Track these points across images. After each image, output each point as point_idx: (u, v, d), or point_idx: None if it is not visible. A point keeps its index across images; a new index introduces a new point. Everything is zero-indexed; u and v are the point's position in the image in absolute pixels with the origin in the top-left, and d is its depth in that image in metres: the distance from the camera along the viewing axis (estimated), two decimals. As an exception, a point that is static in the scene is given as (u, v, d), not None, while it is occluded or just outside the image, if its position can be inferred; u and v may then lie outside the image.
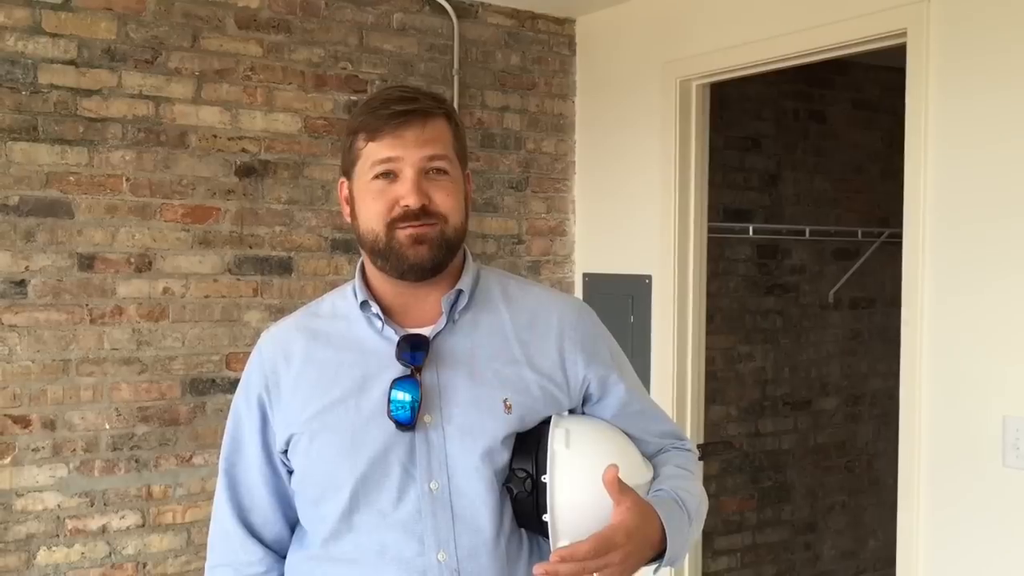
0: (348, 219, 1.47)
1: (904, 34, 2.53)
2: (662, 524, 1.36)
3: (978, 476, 2.38)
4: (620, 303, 3.45)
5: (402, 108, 1.38)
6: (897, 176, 2.59)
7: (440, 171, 1.40)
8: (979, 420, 2.37)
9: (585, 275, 3.68)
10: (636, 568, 1.35)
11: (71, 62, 2.78)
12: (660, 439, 1.56)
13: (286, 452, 1.46)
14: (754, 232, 3.96)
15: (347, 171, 1.45)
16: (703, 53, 3.14)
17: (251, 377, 1.49)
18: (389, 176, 1.38)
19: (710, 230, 3.36)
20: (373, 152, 1.39)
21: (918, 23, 2.49)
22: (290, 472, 1.47)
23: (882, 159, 4.35)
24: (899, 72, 2.58)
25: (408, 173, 1.37)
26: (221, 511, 1.51)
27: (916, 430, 2.51)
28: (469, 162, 1.52)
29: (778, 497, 4.27)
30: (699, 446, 3.29)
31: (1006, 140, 2.32)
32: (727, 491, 4.11)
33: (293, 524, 1.51)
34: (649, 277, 3.35)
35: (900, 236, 2.58)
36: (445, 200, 1.39)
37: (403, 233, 1.38)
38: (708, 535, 3.92)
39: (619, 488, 1.31)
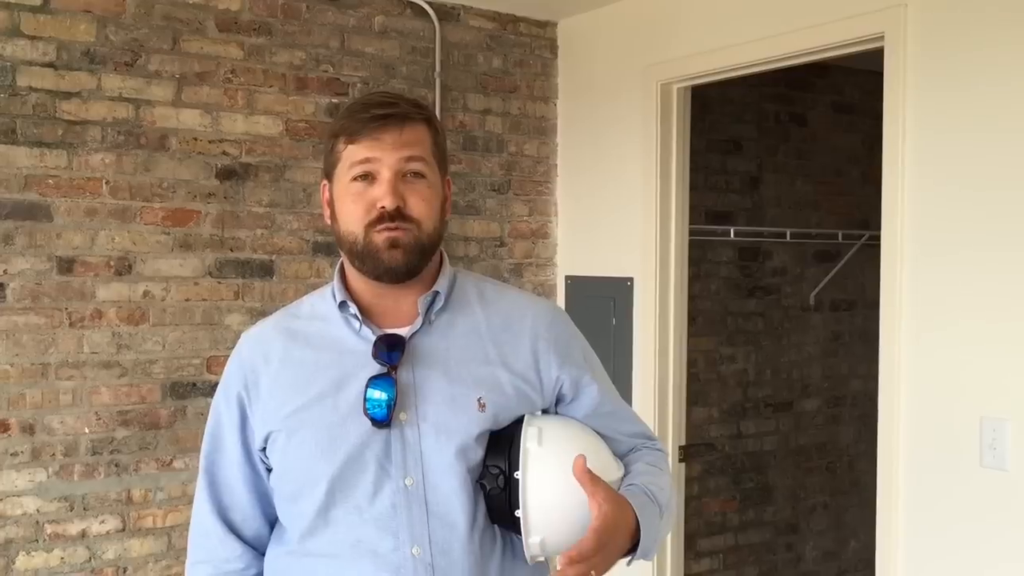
0: (328, 221, 1.50)
1: (882, 38, 2.55)
2: (635, 515, 1.38)
3: (956, 476, 2.39)
4: (602, 305, 3.45)
5: (381, 112, 1.41)
6: (877, 179, 2.61)
7: (417, 174, 1.42)
8: (957, 421, 2.39)
9: (567, 278, 3.68)
10: (616, 560, 1.37)
11: (50, 64, 2.77)
12: (631, 439, 1.59)
13: (264, 450, 1.48)
14: (736, 234, 3.97)
15: (328, 173, 1.48)
16: (684, 56, 3.16)
17: (231, 377, 1.52)
18: (367, 178, 1.41)
19: (692, 232, 3.37)
20: (352, 154, 1.42)
21: (895, 27, 2.51)
22: (269, 470, 1.49)
23: (862, 162, 4.38)
24: (879, 75, 2.59)
25: (385, 175, 1.40)
26: (201, 509, 1.53)
27: (895, 431, 2.53)
28: (451, 165, 1.54)
29: (760, 498, 4.28)
30: (681, 448, 3.30)
31: (983, 142, 2.34)
32: (709, 492, 4.12)
33: (272, 522, 1.53)
34: (631, 280, 3.36)
35: (880, 239, 2.59)
36: (419, 204, 1.42)
37: (379, 237, 1.40)
38: (691, 536, 3.93)
39: (591, 478, 1.33)
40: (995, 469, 2.31)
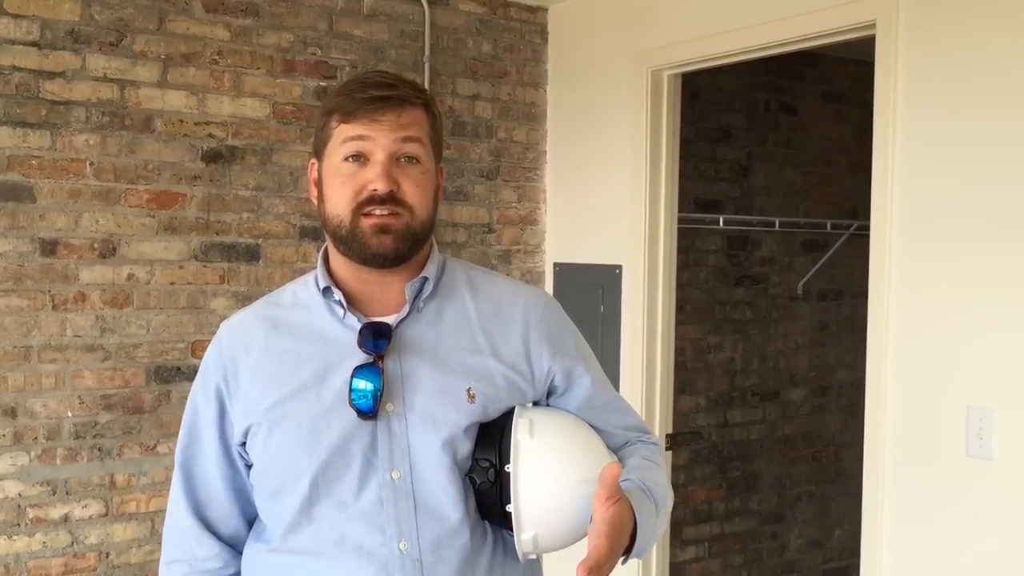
0: (315, 201, 1.45)
1: (873, 25, 2.54)
2: (634, 513, 1.34)
3: (942, 466, 2.40)
4: (590, 293, 3.44)
5: (380, 93, 1.36)
6: (866, 169, 2.60)
7: (411, 158, 1.37)
8: (943, 411, 2.39)
9: (556, 265, 3.67)
10: (617, 560, 1.32)
11: (34, 43, 2.73)
12: (626, 432, 1.54)
13: (244, 444, 1.42)
14: (724, 223, 3.96)
15: (318, 152, 1.43)
16: (675, 43, 3.14)
17: (209, 367, 1.46)
18: (359, 159, 1.36)
19: (681, 221, 3.36)
20: (345, 133, 1.36)
21: (887, 14, 2.49)
22: (248, 466, 1.44)
23: (851, 151, 4.37)
24: (868, 65, 2.58)
25: (379, 156, 1.35)
26: (177, 505, 1.47)
27: (882, 420, 2.53)
28: (440, 151, 1.49)
29: (746, 487, 4.29)
30: (668, 436, 3.30)
31: (973, 132, 2.33)
32: (695, 481, 4.13)
33: (251, 520, 1.47)
34: (619, 267, 3.35)
35: (868, 228, 2.59)
36: (413, 190, 1.37)
37: (367, 222, 1.35)
38: (676, 525, 3.93)
39: (616, 487, 1.27)
40: (981, 459, 2.31)
